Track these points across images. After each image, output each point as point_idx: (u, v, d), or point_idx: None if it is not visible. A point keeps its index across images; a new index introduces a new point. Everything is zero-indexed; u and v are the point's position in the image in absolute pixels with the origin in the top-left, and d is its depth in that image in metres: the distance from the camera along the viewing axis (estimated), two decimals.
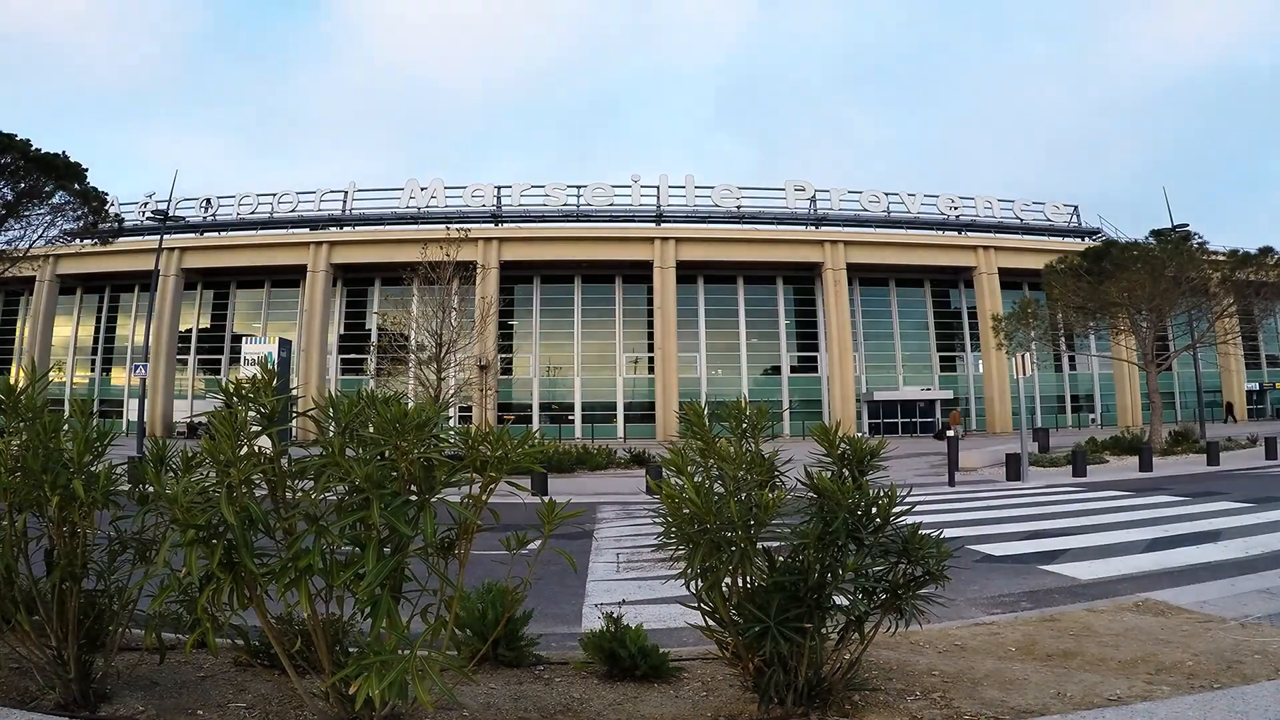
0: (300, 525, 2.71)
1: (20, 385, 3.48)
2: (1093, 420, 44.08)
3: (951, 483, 15.81)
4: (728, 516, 2.88)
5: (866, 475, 3.20)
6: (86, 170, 23.16)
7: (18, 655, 3.27)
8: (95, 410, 37.89)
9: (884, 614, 3.03)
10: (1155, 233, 25.75)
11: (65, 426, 3.43)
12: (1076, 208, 46.91)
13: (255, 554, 2.64)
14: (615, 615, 3.82)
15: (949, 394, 42.89)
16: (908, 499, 3.16)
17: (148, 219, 38.02)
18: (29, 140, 21.75)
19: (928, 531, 3.12)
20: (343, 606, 2.86)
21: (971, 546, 8.09)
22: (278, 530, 2.75)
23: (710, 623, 3.20)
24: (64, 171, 22.47)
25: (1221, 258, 25.79)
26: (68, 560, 3.23)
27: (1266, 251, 25.22)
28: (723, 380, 42.26)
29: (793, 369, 43.16)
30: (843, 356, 40.35)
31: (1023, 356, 18.01)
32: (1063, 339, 31.35)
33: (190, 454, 3.21)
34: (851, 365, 40.65)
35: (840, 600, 3.04)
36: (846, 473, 3.17)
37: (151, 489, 3.11)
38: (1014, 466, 16.59)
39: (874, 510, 3.08)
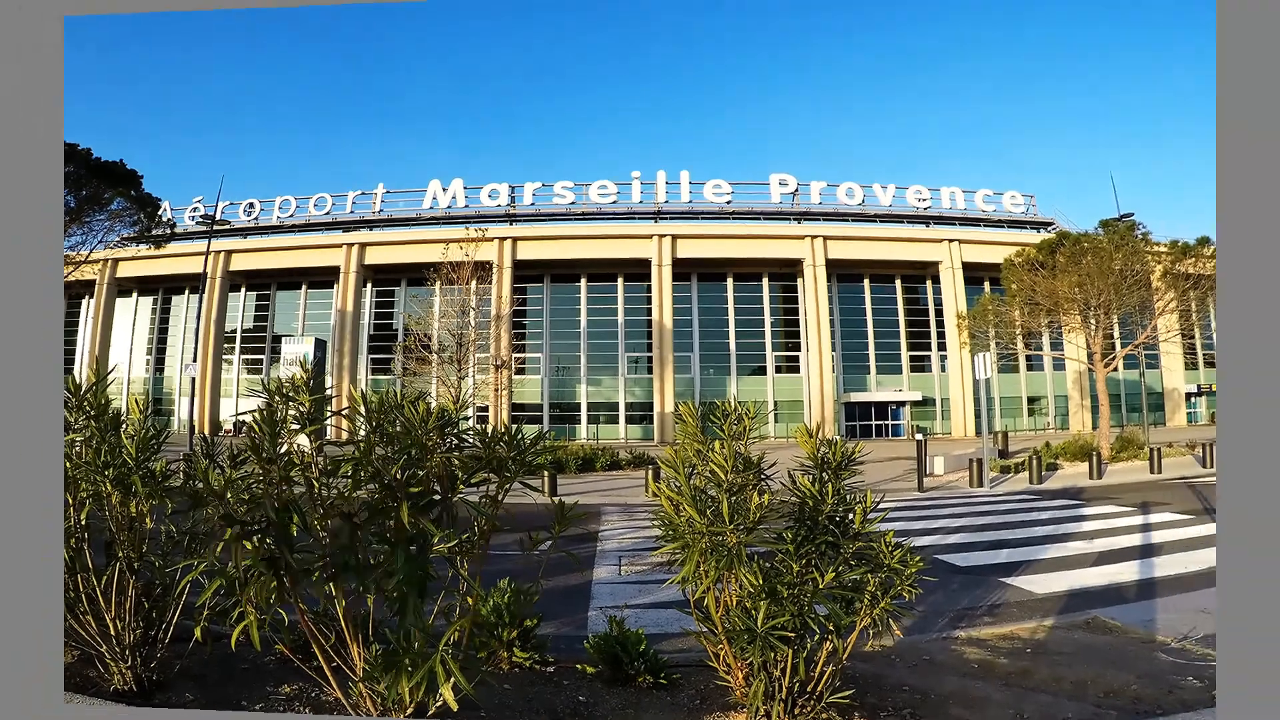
0: (334, 524, 2.66)
1: (85, 385, 3.49)
2: (1048, 424, 42.02)
3: (920, 488, 15.84)
4: (721, 519, 2.81)
5: (844, 480, 3.11)
6: (141, 177, 23.21)
7: (80, 645, 3.28)
8: (150, 409, 37.46)
9: (859, 624, 2.95)
10: (1104, 223, 23.71)
11: (124, 425, 3.45)
12: (1032, 197, 43.69)
13: (295, 550, 2.58)
14: (619, 619, 3.84)
15: (918, 395, 41.05)
16: (881, 505, 3.08)
17: (197, 224, 38.00)
18: (90, 150, 21.78)
19: (900, 540, 3.05)
20: (370, 603, 2.81)
21: (939, 556, 8.10)
22: (316, 527, 2.67)
23: (704, 629, 3.15)
24: (121, 178, 22.48)
25: (1163, 249, 23.77)
26: (126, 552, 3.23)
27: (1204, 242, 22.90)
28: (715, 380, 41.05)
29: (778, 369, 41.44)
30: (822, 356, 38.84)
31: (983, 356, 16.80)
32: (1019, 337, 28.41)
33: (235, 452, 3.16)
34: (831, 365, 39.18)
35: (821, 609, 2.95)
36: (826, 477, 3.08)
37: (200, 485, 3.10)
38: (976, 473, 16.61)
39: (850, 517, 2.99)
